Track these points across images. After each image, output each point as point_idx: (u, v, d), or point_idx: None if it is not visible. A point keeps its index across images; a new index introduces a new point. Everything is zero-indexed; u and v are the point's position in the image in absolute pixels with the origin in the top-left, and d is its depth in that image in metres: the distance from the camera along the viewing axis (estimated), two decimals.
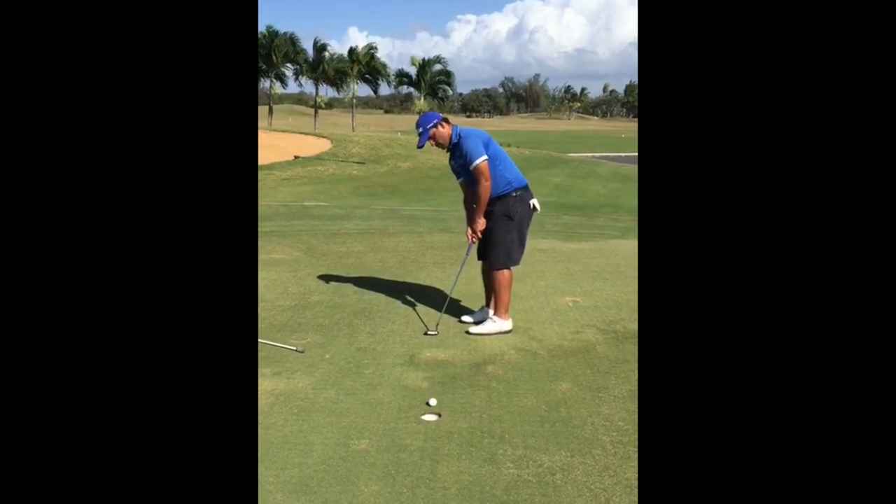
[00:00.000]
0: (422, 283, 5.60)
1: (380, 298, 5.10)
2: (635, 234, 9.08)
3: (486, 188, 4.09)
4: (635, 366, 3.80)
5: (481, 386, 3.52)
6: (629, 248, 7.53)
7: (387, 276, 5.77)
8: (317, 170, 20.85)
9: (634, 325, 4.54)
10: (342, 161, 21.92)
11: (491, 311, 4.37)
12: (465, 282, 4.86)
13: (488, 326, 4.29)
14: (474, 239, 4.31)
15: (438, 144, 4.27)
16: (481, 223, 4.21)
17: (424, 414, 3.18)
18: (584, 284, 5.68)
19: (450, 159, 4.38)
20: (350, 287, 5.42)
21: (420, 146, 4.34)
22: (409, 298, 5.11)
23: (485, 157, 4.07)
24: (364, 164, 21.45)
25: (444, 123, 4.24)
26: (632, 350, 4.05)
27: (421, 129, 4.21)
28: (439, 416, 3.16)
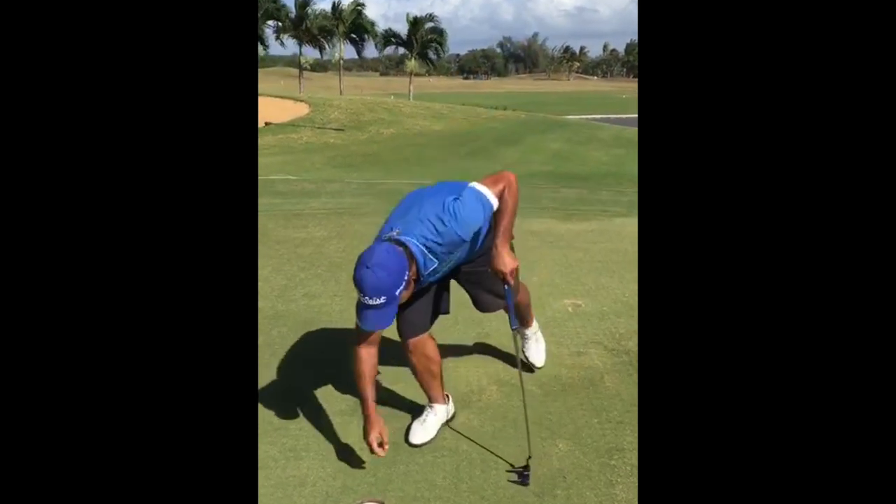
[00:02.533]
0: None
1: (334, 305, 4.11)
2: None
3: (507, 205, 2.28)
4: None
5: (447, 450, 2.55)
6: (635, 228, 6.50)
7: (348, 272, 4.76)
8: (289, 138, 19.15)
9: None
10: (319, 128, 20.25)
11: (531, 330, 3.20)
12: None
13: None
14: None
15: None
16: (511, 255, 2.31)
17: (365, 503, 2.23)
18: (587, 280, 4.68)
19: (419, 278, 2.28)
20: (300, 289, 4.42)
21: (382, 326, 2.22)
22: None
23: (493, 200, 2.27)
24: (343, 130, 19.89)
25: (408, 271, 2.14)
26: None
27: (385, 299, 2.09)
28: None
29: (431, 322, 2.56)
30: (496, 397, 2.96)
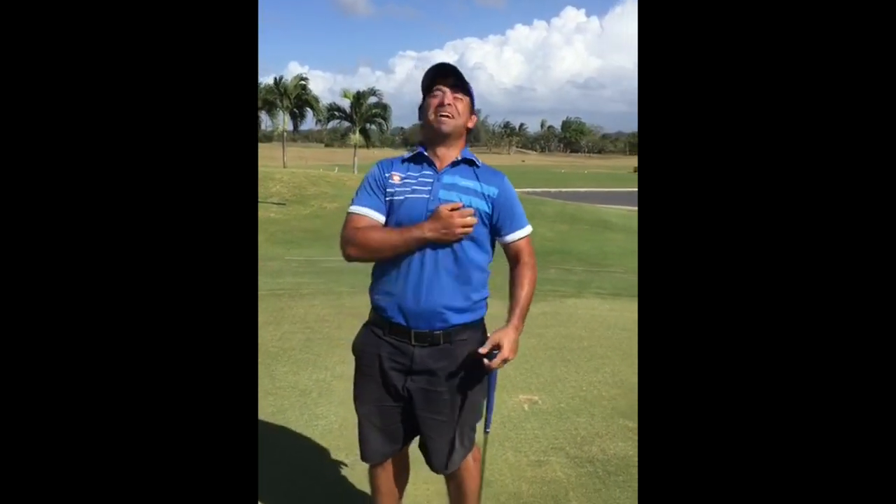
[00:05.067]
0: (330, 375, 4.21)
1: (266, 406, 3.68)
2: (591, 289, 7.95)
3: (533, 280, 2.01)
4: None
5: None
6: (588, 310, 6.37)
7: (282, 366, 4.35)
8: None
9: (616, 445, 3.29)
10: (259, 202, 19.81)
11: None
12: None
13: None
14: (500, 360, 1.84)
15: (441, 114, 1.92)
16: (515, 338, 1.88)
17: None
18: (542, 371, 4.42)
19: (425, 176, 1.96)
20: None
21: (466, 83, 1.95)
22: (309, 410, 3.71)
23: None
24: (285, 204, 19.40)
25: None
26: (621, 499, 2.77)
27: (458, 80, 1.96)
28: None
29: (405, 444, 2.12)
30: None
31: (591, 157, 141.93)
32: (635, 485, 2.88)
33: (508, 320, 1.90)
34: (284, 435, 3.32)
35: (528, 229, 2.04)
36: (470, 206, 1.91)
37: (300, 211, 18.50)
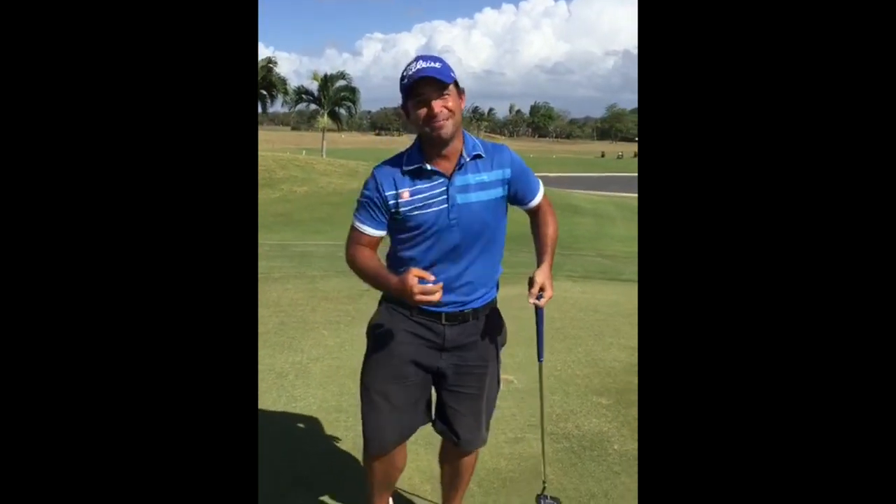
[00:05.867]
0: (306, 358, 4.22)
1: None
2: (563, 272, 8.05)
3: (556, 222, 2.09)
4: None
5: None
6: (560, 292, 6.43)
7: (259, 350, 4.34)
8: None
9: (590, 422, 3.38)
10: None
11: None
12: None
13: None
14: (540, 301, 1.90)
15: (435, 124, 1.83)
16: (550, 276, 1.93)
17: None
18: (517, 352, 4.44)
19: (438, 185, 1.90)
20: None
21: (448, 79, 1.82)
22: (287, 393, 3.72)
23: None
24: None
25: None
26: (595, 472, 2.85)
27: (441, 65, 1.84)
28: None
29: (410, 432, 2.10)
30: (430, 497, 2.64)
31: (558, 142, 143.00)
32: (609, 458, 2.97)
33: (542, 260, 1.96)
34: (263, 416, 3.33)
35: (542, 188, 2.09)
36: (489, 199, 1.94)
37: (269, 195, 18.32)
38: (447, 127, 1.83)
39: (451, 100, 1.84)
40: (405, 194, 1.88)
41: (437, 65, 1.83)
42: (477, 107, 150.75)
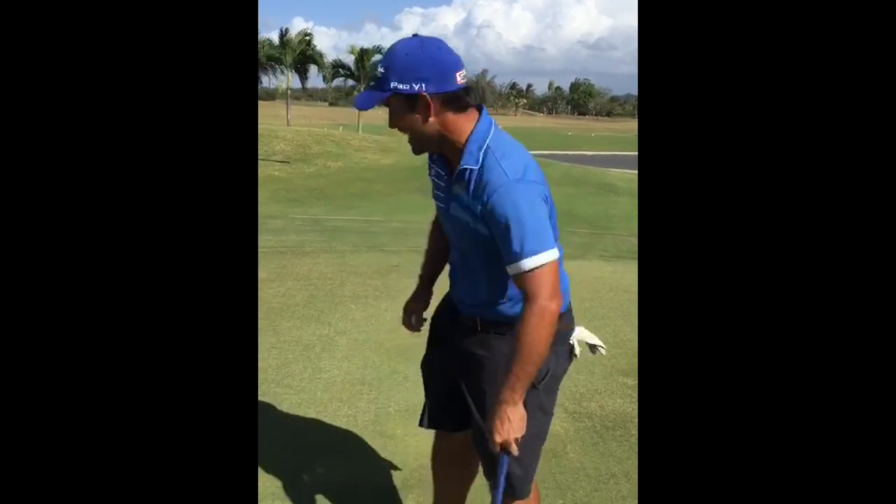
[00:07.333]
0: (333, 331, 4.26)
1: (271, 360, 3.73)
2: (595, 252, 7.95)
3: (543, 337, 1.53)
4: (628, 485, 2.58)
5: None
6: (591, 272, 6.38)
7: (286, 322, 4.39)
8: None
9: (615, 402, 3.35)
10: (262, 160, 19.29)
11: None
12: None
13: None
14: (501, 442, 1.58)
15: (419, 138, 1.65)
16: (520, 416, 1.57)
17: None
18: None
19: (441, 183, 1.74)
20: None
21: (366, 105, 1.63)
22: (312, 364, 3.76)
23: (554, 251, 1.54)
24: (288, 162, 19.23)
25: (460, 98, 1.62)
26: (617, 452, 2.83)
27: (382, 70, 1.58)
28: None
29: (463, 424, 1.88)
30: None
31: (598, 120, 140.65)
32: (632, 439, 2.93)
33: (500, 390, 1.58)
34: (289, 387, 3.38)
35: (527, 263, 1.51)
36: (467, 221, 1.64)
37: (304, 169, 18.44)
38: (412, 145, 1.67)
39: (395, 118, 1.62)
40: (430, 172, 1.78)
41: (373, 83, 1.60)
42: (515, 83, 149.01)
